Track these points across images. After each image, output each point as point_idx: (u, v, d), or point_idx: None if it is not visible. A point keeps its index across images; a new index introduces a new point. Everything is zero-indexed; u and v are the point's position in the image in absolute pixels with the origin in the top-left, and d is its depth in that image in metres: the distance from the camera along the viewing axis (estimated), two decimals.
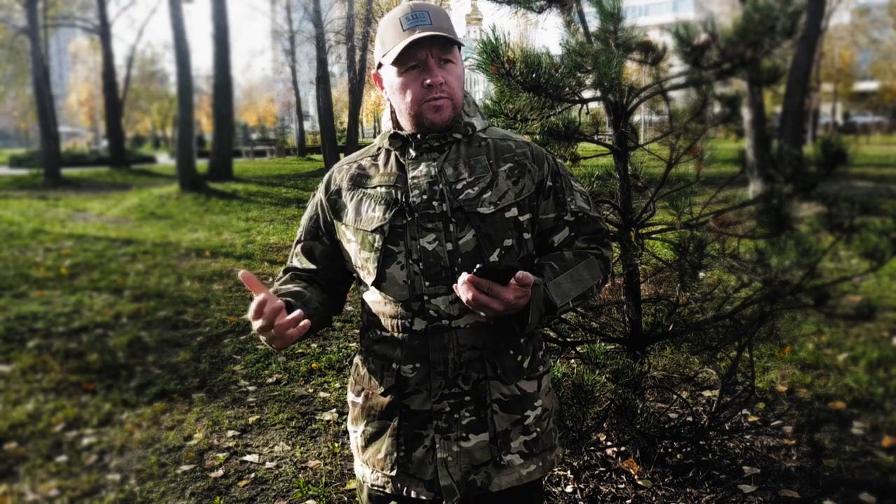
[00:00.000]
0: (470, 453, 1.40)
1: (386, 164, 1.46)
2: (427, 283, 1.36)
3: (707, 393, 3.64)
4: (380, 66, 1.43)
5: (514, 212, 1.41)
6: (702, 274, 2.59)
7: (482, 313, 1.29)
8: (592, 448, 2.99)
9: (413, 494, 1.42)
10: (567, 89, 2.47)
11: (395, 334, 1.40)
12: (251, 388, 4.02)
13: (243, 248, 8.61)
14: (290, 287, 1.47)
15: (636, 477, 2.78)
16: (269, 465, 3.11)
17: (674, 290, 2.77)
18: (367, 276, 1.42)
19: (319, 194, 1.53)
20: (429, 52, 1.35)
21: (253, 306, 1.25)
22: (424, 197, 1.38)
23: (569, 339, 2.81)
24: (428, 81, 1.35)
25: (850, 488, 2.72)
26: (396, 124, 1.46)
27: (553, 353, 2.93)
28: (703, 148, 2.53)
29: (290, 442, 3.33)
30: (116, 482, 3.01)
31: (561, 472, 2.85)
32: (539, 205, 1.46)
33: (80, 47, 40.39)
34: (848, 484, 2.76)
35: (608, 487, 2.73)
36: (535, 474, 1.46)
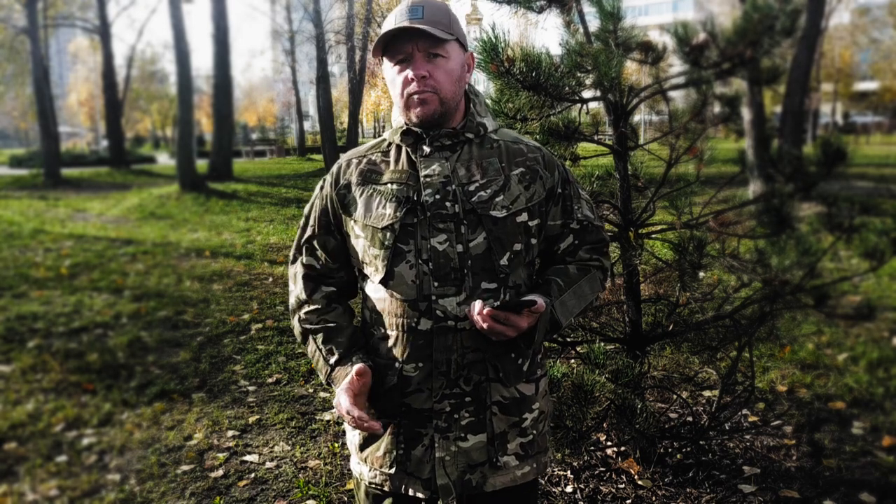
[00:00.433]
0: (467, 453, 1.41)
1: (397, 160, 1.45)
2: (436, 284, 1.36)
3: (707, 393, 3.64)
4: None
5: (524, 216, 1.42)
6: (702, 274, 2.59)
7: (493, 337, 1.35)
8: (592, 448, 2.99)
9: (410, 492, 1.43)
10: (567, 89, 2.47)
11: (400, 333, 1.40)
12: (251, 388, 4.02)
13: (243, 248, 8.61)
14: (330, 325, 1.51)
15: (636, 477, 2.78)
16: (269, 465, 3.11)
17: (674, 290, 2.77)
18: (375, 273, 1.41)
19: (328, 188, 1.51)
20: (415, 46, 1.35)
21: (344, 408, 1.36)
22: (437, 196, 1.38)
23: (569, 339, 2.81)
24: (409, 74, 1.35)
25: (850, 488, 2.72)
26: None
27: (553, 353, 2.93)
28: (703, 148, 2.53)
29: (290, 442, 3.33)
30: (116, 482, 3.01)
31: (561, 472, 2.85)
32: (548, 211, 1.48)
33: (80, 47, 40.37)
34: (848, 484, 2.75)
35: (608, 487, 2.73)
36: (529, 476, 1.48)
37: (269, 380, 4.14)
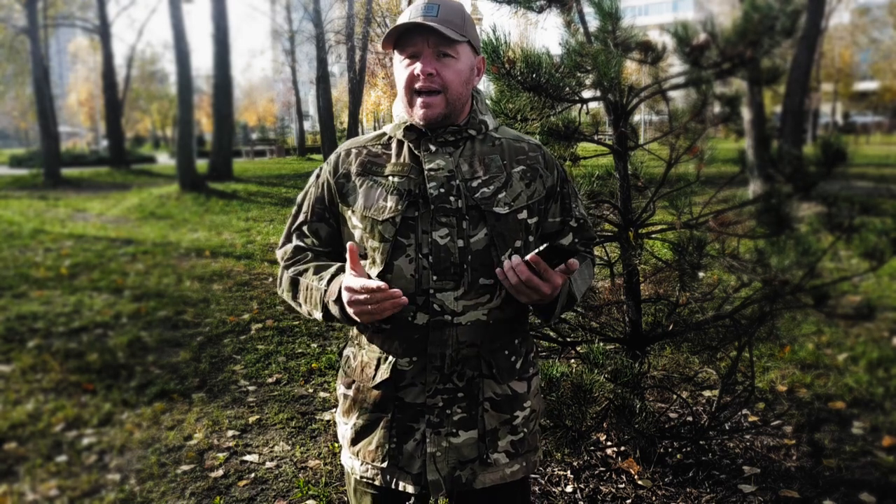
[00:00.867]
0: (458, 449, 1.41)
1: (399, 154, 1.45)
2: (435, 278, 1.36)
3: (707, 393, 3.64)
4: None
5: (525, 214, 1.44)
6: (702, 274, 2.60)
7: (523, 298, 1.33)
8: (592, 448, 2.99)
9: (401, 487, 1.43)
10: (567, 89, 2.47)
11: (395, 326, 1.40)
12: (251, 388, 4.02)
13: (243, 248, 8.61)
14: (320, 262, 1.48)
15: (636, 477, 2.78)
16: (269, 465, 3.11)
17: (674, 290, 2.77)
18: (373, 265, 1.41)
19: (326, 175, 1.51)
20: (426, 42, 1.36)
21: (356, 283, 1.28)
22: (442, 190, 1.38)
23: (569, 339, 2.81)
24: (416, 70, 1.36)
25: (850, 488, 2.72)
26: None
27: (553, 352, 2.93)
28: (703, 148, 2.53)
29: (290, 442, 3.33)
30: (116, 482, 3.01)
31: (561, 472, 2.85)
32: (548, 209, 1.50)
33: (80, 47, 40.35)
34: (848, 484, 2.75)
35: (608, 487, 2.73)
36: (519, 474, 1.48)
37: (269, 380, 4.14)
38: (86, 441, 3.40)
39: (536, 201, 1.46)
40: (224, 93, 17.09)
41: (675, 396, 3.43)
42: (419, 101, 1.37)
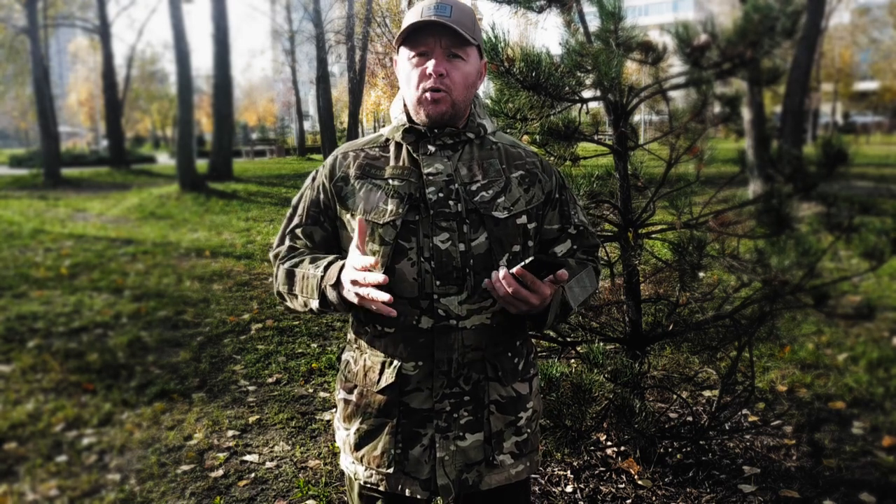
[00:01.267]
0: (465, 452, 1.41)
1: (397, 157, 1.44)
2: (438, 283, 1.35)
3: (707, 393, 3.64)
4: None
5: (524, 219, 1.43)
6: (702, 274, 2.60)
7: (512, 309, 1.31)
8: (592, 448, 2.99)
9: (408, 493, 1.42)
10: (567, 89, 2.47)
11: (399, 331, 1.40)
12: (251, 388, 4.02)
13: (243, 248, 8.61)
14: (315, 253, 1.46)
15: (636, 477, 2.78)
16: (269, 465, 3.11)
17: (674, 290, 2.77)
18: (374, 269, 1.40)
19: (323, 179, 1.49)
20: (438, 42, 1.35)
21: (359, 260, 1.26)
22: (441, 195, 1.38)
23: (569, 339, 2.81)
24: (428, 70, 1.35)
25: (850, 488, 2.72)
26: (409, 118, 1.44)
27: (553, 352, 2.93)
28: (703, 148, 2.53)
29: (290, 442, 3.33)
30: (116, 482, 3.01)
31: (561, 472, 2.85)
32: (545, 215, 1.49)
33: (80, 47, 40.36)
34: (848, 484, 2.75)
35: (608, 487, 2.73)
36: (523, 474, 1.49)
37: (269, 380, 4.14)
38: (86, 441, 3.40)
39: (535, 206, 1.46)
40: (224, 93, 17.09)
41: (675, 396, 3.43)
42: (428, 96, 1.36)
